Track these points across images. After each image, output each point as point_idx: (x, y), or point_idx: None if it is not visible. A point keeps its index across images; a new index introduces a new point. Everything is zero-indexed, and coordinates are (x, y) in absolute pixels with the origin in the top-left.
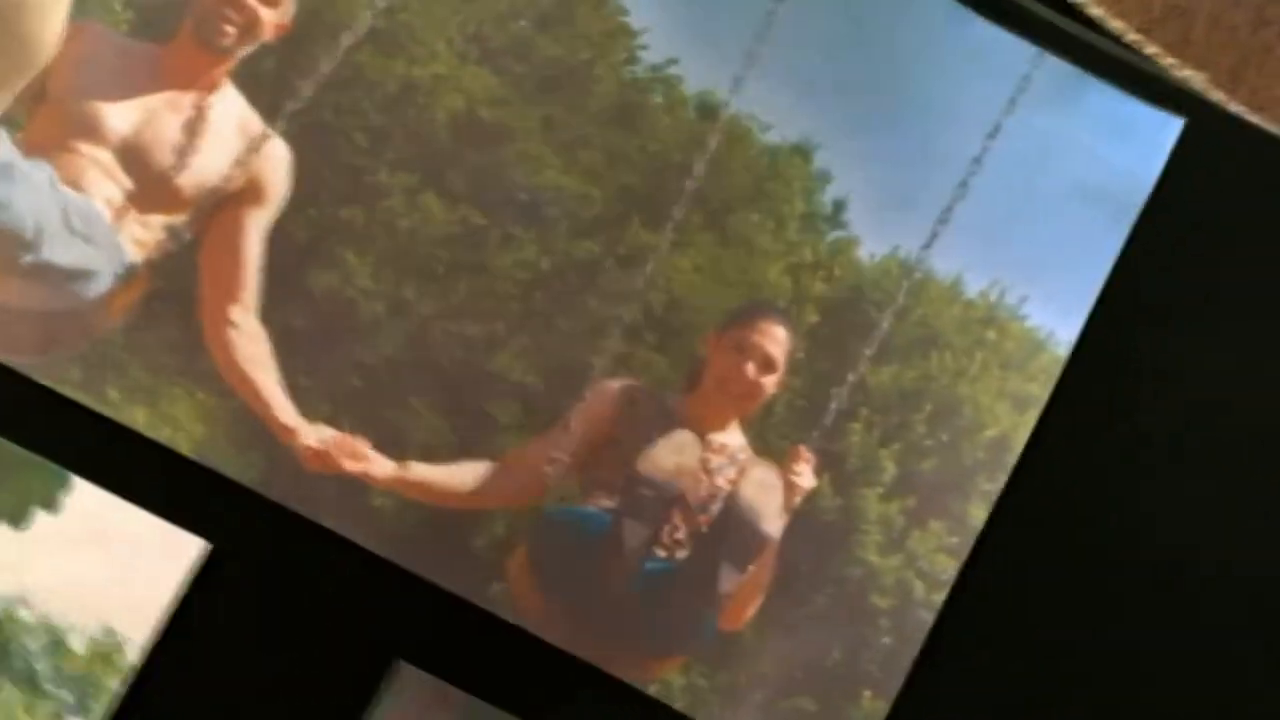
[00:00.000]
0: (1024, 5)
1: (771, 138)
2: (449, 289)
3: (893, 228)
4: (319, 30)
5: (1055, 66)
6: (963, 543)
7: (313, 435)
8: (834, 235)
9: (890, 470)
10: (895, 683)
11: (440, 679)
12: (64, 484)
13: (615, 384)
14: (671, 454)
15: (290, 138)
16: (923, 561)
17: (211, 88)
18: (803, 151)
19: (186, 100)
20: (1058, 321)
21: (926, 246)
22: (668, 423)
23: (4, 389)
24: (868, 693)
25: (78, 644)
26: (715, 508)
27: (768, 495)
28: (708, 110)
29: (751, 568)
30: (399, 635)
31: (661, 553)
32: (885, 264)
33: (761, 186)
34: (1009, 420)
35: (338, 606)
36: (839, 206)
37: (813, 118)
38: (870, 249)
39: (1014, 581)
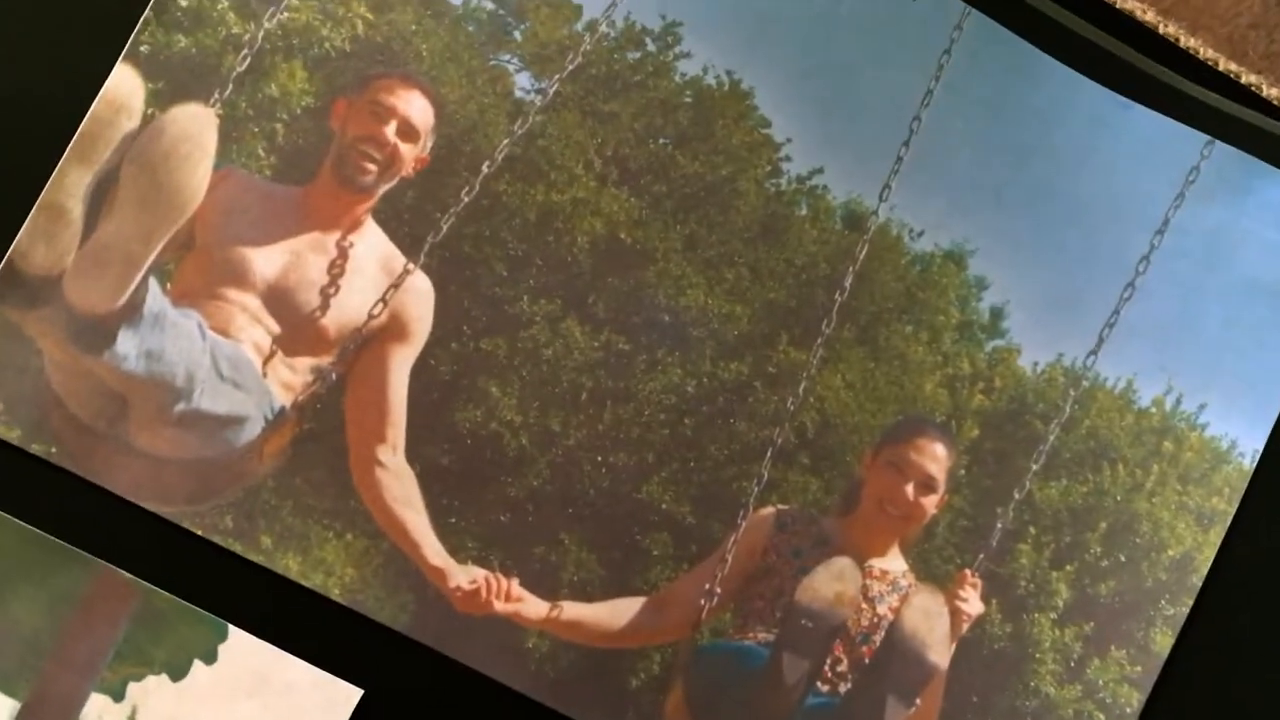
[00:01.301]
0: (1191, 92)
1: (923, 245)
2: (595, 418)
3: (1056, 334)
4: (458, 162)
5: (1225, 155)
6: (1147, 672)
7: (463, 576)
8: (993, 344)
9: (1064, 594)
10: None
11: None
12: (221, 635)
13: (769, 510)
14: (831, 582)
15: (431, 271)
16: (1104, 693)
17: (354, 226)
18: (956, 258)
19: (329, 240)
20: (1240, 429)
21: (1093, 353)
22: (825, 549)
23: (159, 540)
24: None
25: None
26: (878, 638)
27: (933, 623)
28: (855, 219)
29: (919, 701)
30: None
31: (824, 687)
32: (1049, 373)
33: (914, 296)
34: (1192, 538)
35: None
36: (997, 314)
37: (966, 223)
38: (1032, 357)
39: (1204, 715)
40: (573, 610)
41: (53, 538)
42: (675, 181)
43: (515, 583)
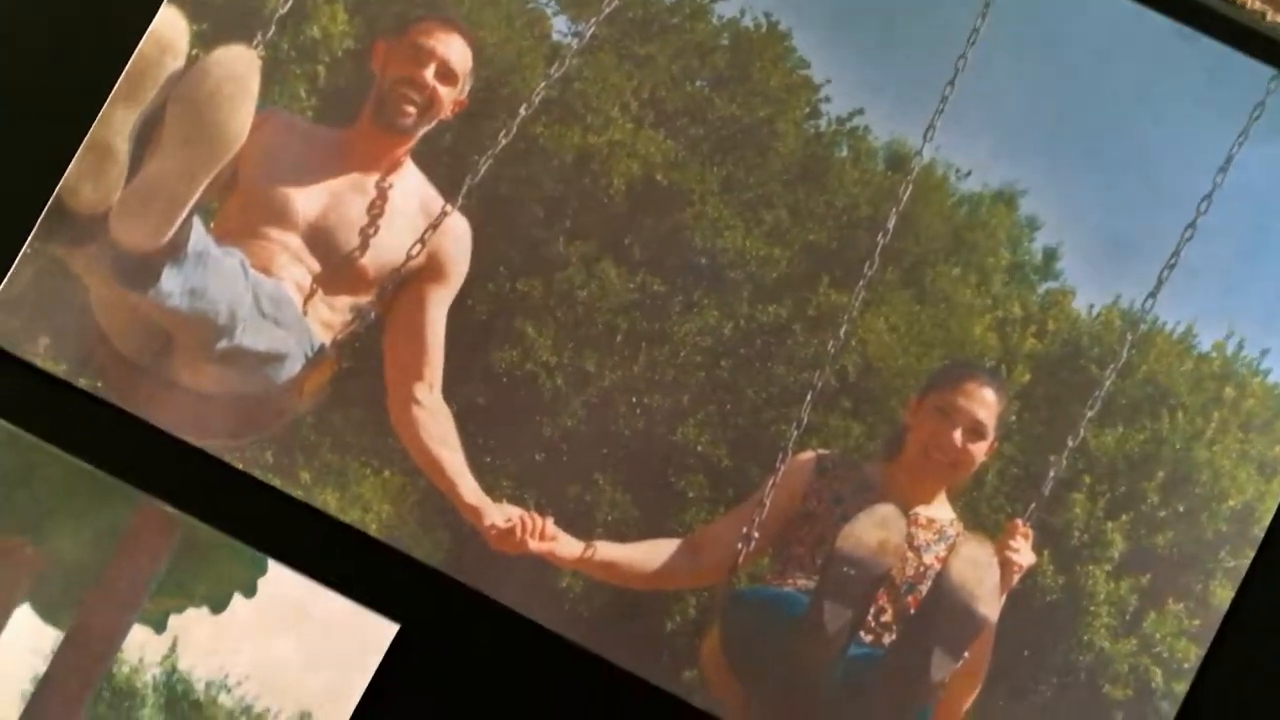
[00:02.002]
0: (1257, 26)
1: (970, 185)
2: (630, 359)
3: (1113, 276)
4: (495, 104)
5: None
6: (1206, 626)
7: (498, 514)
8: (1046, 286)
9: (1119, 545)
10: None
11: None
12: (261, 569)
13: (809, 455)
14: (874, 529)
15: (469, 213)
16: (1160, 647)
17: (393, 168)
18: (1006, 198)
19: (369, 181)
20: None
21: (1152, 295)
22: (868, 495)
23: (201, 474)
24: None
25: None
26: (924, 588)
27: (982, 574)
28: (898, 161)
29: (966, 654)
30: (592, 718)
31: (867, 637)
32: (1105, 316)
33: (961, 238)
34: (1253, 487)
35: (527, 688)
36: (1050, 255)
37: (1016, 162)
38: (1088, 300)
39: (1265, 669)
40: (607, 551)
41: (97, 471)
42: (712, 124)
43: (550, 522)
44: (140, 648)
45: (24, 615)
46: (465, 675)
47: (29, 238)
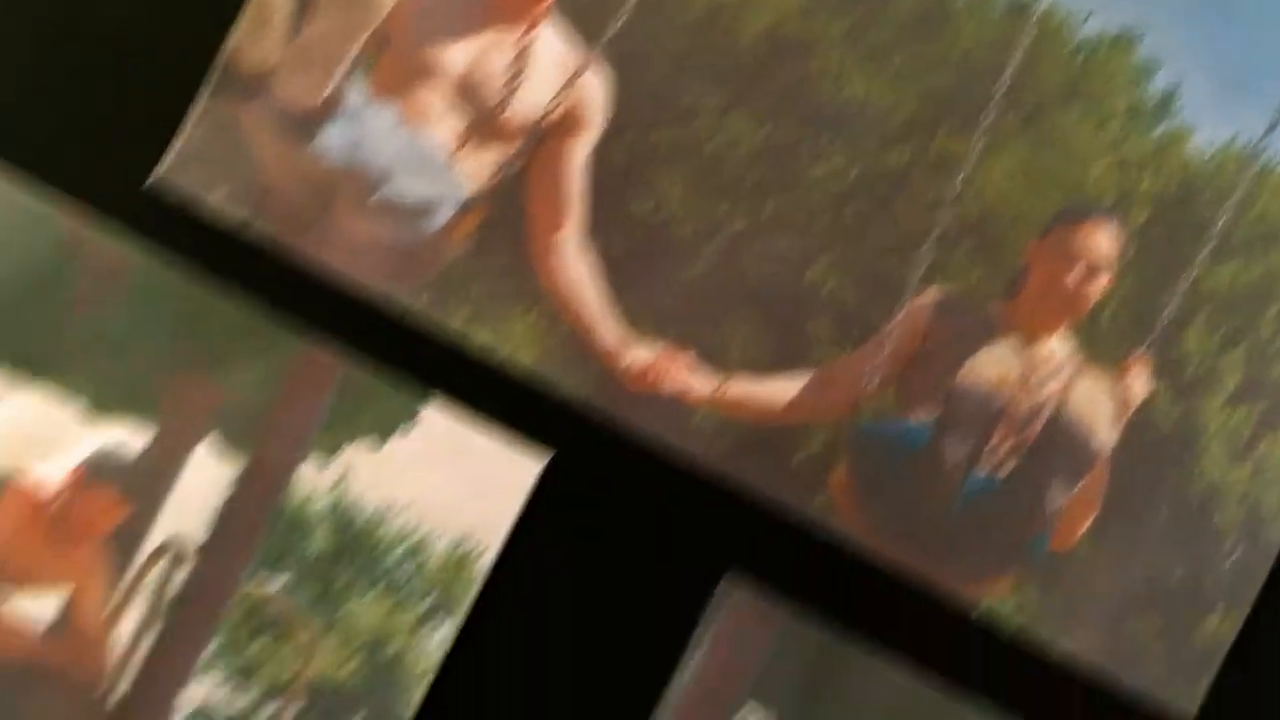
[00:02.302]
0: None
1: (1089, 29)
2: (759, 206)
3: (1230, 115)
4: None
5: None
6: None
7: (636, 354)
8: (1163, 127)
9: (1234, 376)
10: (1246, 603)
11: (766, 589)
12: (419, 406)
13: (931, 294)
14: (993, 365)
15: (607, 65)
16: (1272, 473)
17: (535, 22)
18: (1125, 42)
19: (512, 36)
20: None
21: (1269, 132)
22: (988, 332)
23: (362, 318)
24: (1215, 613)
25: (437, 552)
26: (1041, 421)
27: (1098, 407)
28: (1017, 7)
29: (1082, 484)
30: (725, 546)
31: (986, 469)
32: (1222, 155)
33: (1079, 82)
34: None
35: (665, 518)
36: (1168, 97)
37: (1135, 4)
38: (1205, 139)
39: None
40: (738, 388)
41: (268, 316)
42: None
43: (685, 361)
44: (311, 480)
45: (205, 450)
46: (607, 504)
47: (200, 96)
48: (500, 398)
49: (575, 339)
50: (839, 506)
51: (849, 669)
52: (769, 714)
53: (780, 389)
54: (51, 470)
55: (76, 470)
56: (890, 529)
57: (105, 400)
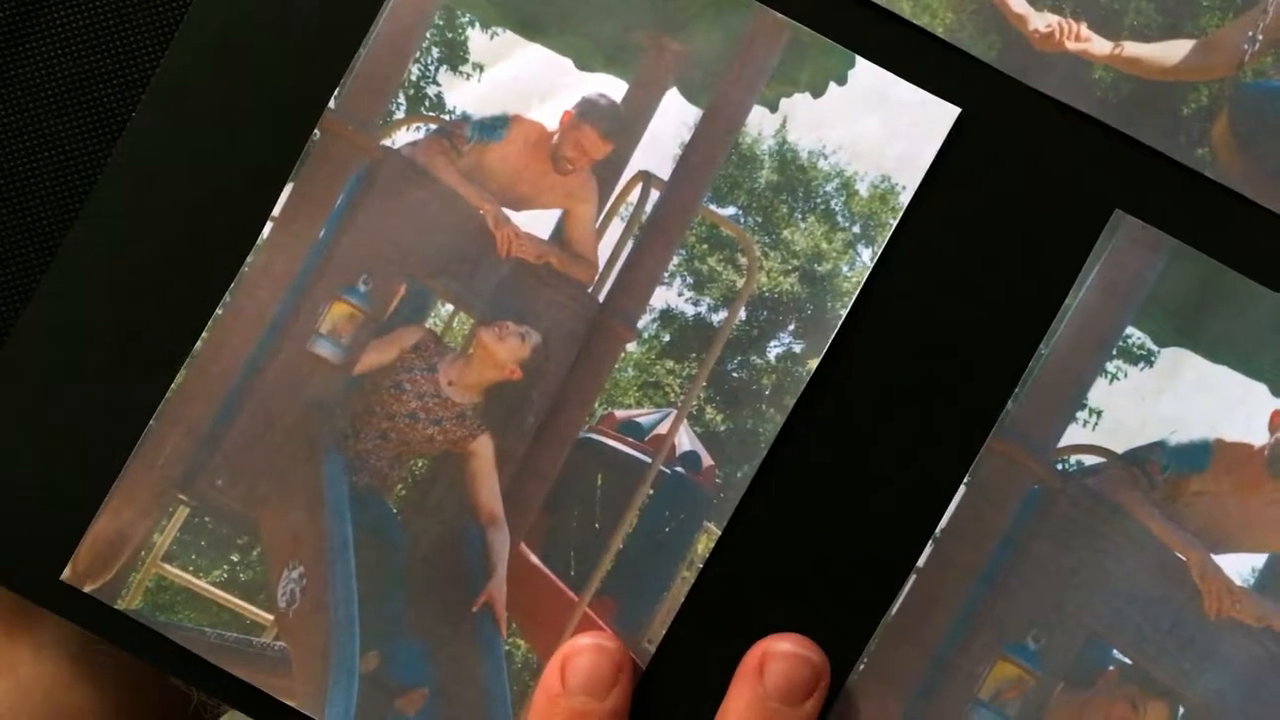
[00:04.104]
0: None
1: None
2: None
3: None
4: None
5: None
6: None
7: (1040, 20)
8: None
9: None
10: None
11: (1151, 228)
12: (850, 63)
13: None
14: None
15: None
16: None
17: None
18: None
19: None
20: None
21: None
22: None
23: None
24: None
25: (863, 188)
26: None
27: None
28: None
29: None
30: (1115, 189)
31: None
32: None
33: None
34: None
35: (1063, 164)
36: None
37: None
38: None
39: None
40: (1133, 49)
41: None
42: None
43: (1084, 26)
44: (759, 124)
45: (673, 96)
46: (1013, 152)
47: None
48: (919, 58)
49: (987, 7)
50: (1219, 154)
51: (1227, 297)
52: (1147, 336)
53: (1170, 50)
54: (549, 112)
55: (568, 113)
56: (1265, 173)
57: (590, 56)
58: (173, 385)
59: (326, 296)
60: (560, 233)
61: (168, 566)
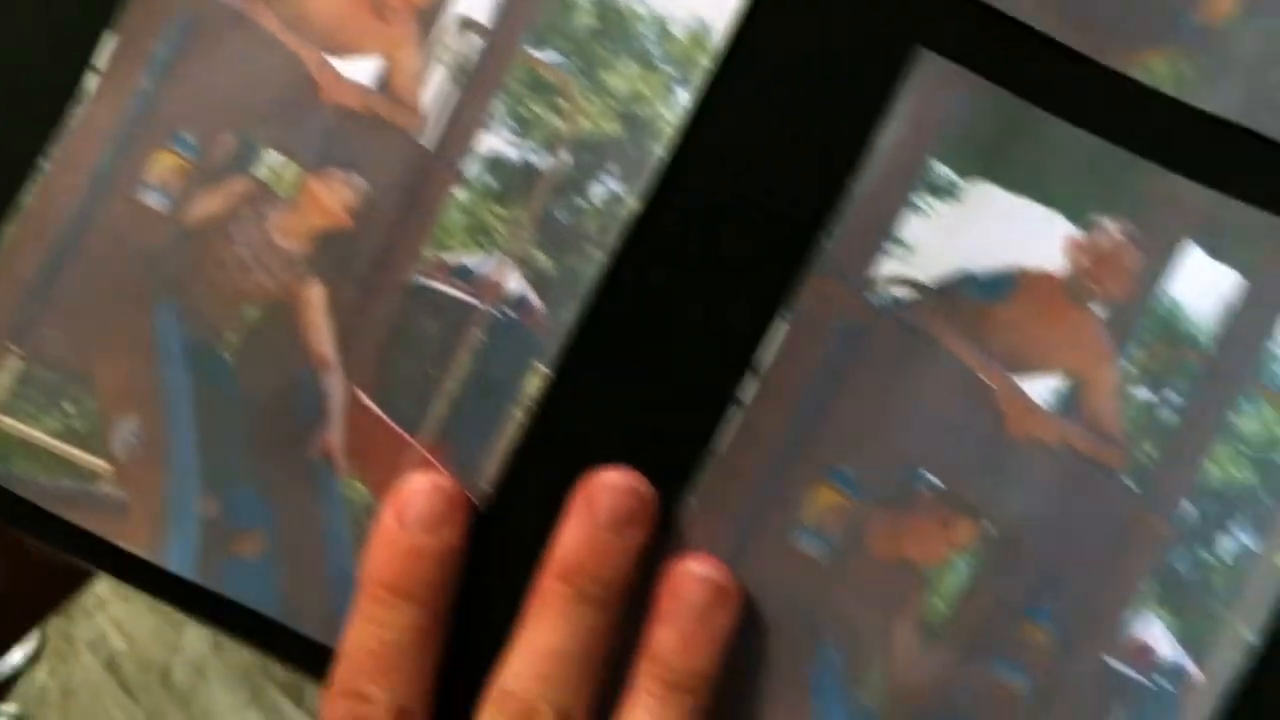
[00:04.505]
0: None
1: None
2: None
3: None
4: None
5: None
6: None
7: None
8: None
9: None
10: None
11: (953, 65)
12: None
13: None
14: None
15: None
16: None
17: None
18: None
19: None
20: None
21: None
22: None
23: None
24: None
25: (678, 30)
26: None
27: None
28: None
29: None
30: (921, 28)
31: None
32: None
33: None
34: None
35: (868, 3)
36: None
37: None
38: None
39: None
40: None
41: None
42: None
43: None
44: None
45: None
46: None
47: None
48: None
49: None
50: None
51: (1027, 132)
52: (951, 171)
53: None
54: None
55: None
56: (1062, 11)
57: None
58: (1, 240)
59: (153, 148)
60: (384, 81)
61: (2, 418)
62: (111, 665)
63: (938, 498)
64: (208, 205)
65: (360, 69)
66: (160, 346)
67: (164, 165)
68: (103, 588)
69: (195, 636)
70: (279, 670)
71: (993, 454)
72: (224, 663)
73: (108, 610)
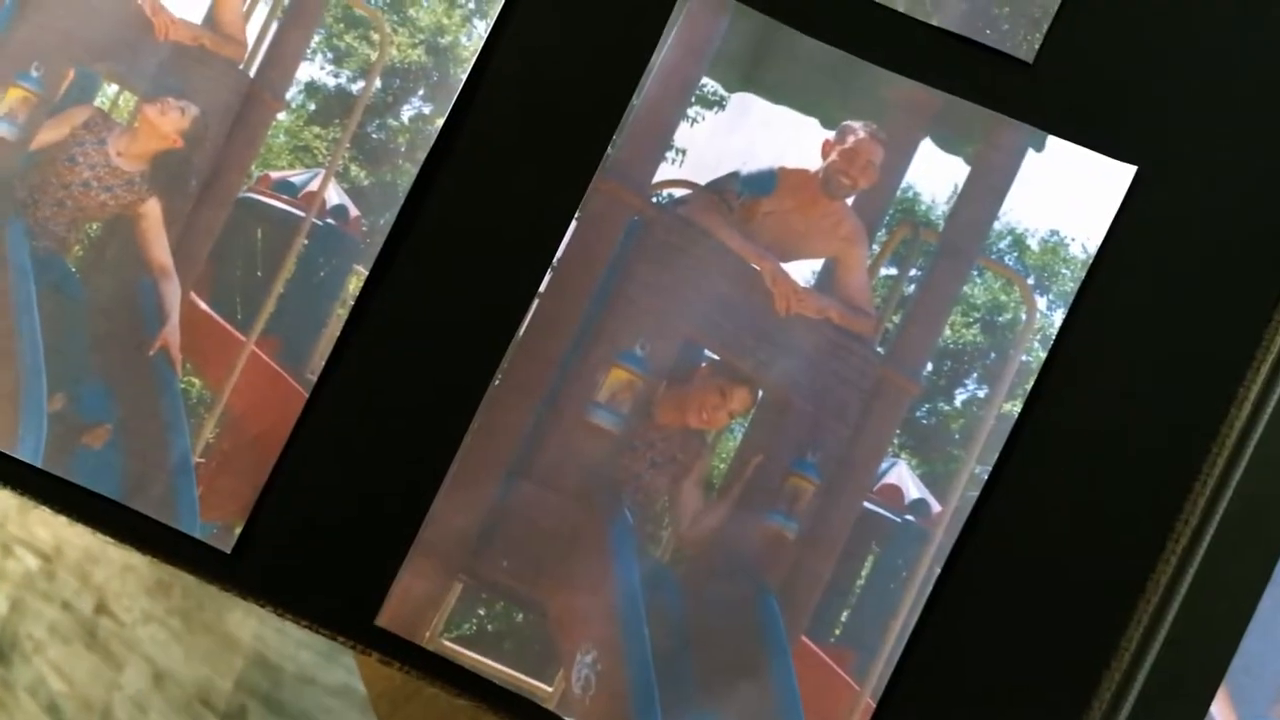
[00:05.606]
0: None
1: None
2: None
3: None
4: None
5: None
6: None
7: None
8: None
9: None
10: None
11: None
12: None
13: None
14: None
15: None
16: None
17: None
18: None
19: None
20: None
21: None
22: None
23: None
24: None
25: None
26: None
27: None
28: None
29: None
30: None
31: None
32: None
33: None
34: None
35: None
36: None
37: None
38: None
39: None
40: None
41: None
42: None
43: None
44: None
45: None
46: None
47: None
48: None
49: None
50: None
51: (782, 49)
52: (719, 85)
53: None
54: None
55: None
56: None
57: None
58: None
59: (1, 84)
60: (212, 16)
61: None
62: (53, 709)
63: (716, 370)
64: (52, 133)
65: (190, 5)
66: (10, 260)
67: (12, 98)
68: (39, 630)
69: (135, 674)
70: (219, 701)
71: (763, 329)
72: (164, 698)
73: (45, 653)
